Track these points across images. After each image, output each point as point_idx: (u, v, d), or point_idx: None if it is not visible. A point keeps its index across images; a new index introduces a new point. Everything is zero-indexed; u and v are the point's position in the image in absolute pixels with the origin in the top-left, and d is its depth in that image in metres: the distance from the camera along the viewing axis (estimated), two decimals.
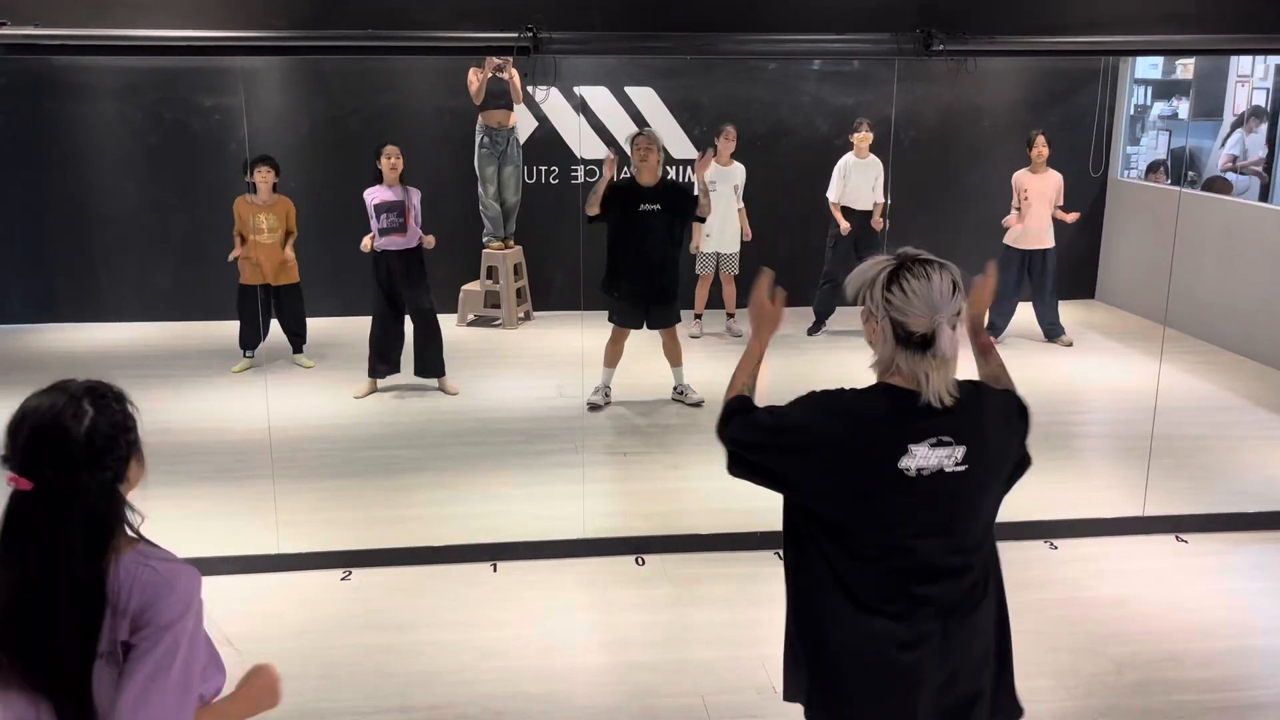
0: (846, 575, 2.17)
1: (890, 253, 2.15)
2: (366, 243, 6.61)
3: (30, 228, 8.60)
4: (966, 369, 2.22)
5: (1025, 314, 8.26)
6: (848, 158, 8.20)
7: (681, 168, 9.02)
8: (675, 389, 6.73)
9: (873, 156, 8.17)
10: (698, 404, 6.63)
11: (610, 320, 6.53)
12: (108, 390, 1.87)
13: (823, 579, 2.19)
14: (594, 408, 6.51)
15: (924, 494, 2.10)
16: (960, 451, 2.10)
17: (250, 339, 7.41)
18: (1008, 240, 8.09)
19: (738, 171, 8.15)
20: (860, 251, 8.12)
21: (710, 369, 7.01)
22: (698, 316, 8.41)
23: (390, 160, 6.65)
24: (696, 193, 6.50)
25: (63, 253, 8.68)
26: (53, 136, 8.50)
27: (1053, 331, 8.17)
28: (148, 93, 8.52)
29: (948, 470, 2.10)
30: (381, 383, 6.90)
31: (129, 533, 1.86)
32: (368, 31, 4.44)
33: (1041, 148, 7.88)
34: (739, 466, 2.28)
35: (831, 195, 8.23)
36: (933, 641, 2.16)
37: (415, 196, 6.72)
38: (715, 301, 8.48)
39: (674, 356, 6.68)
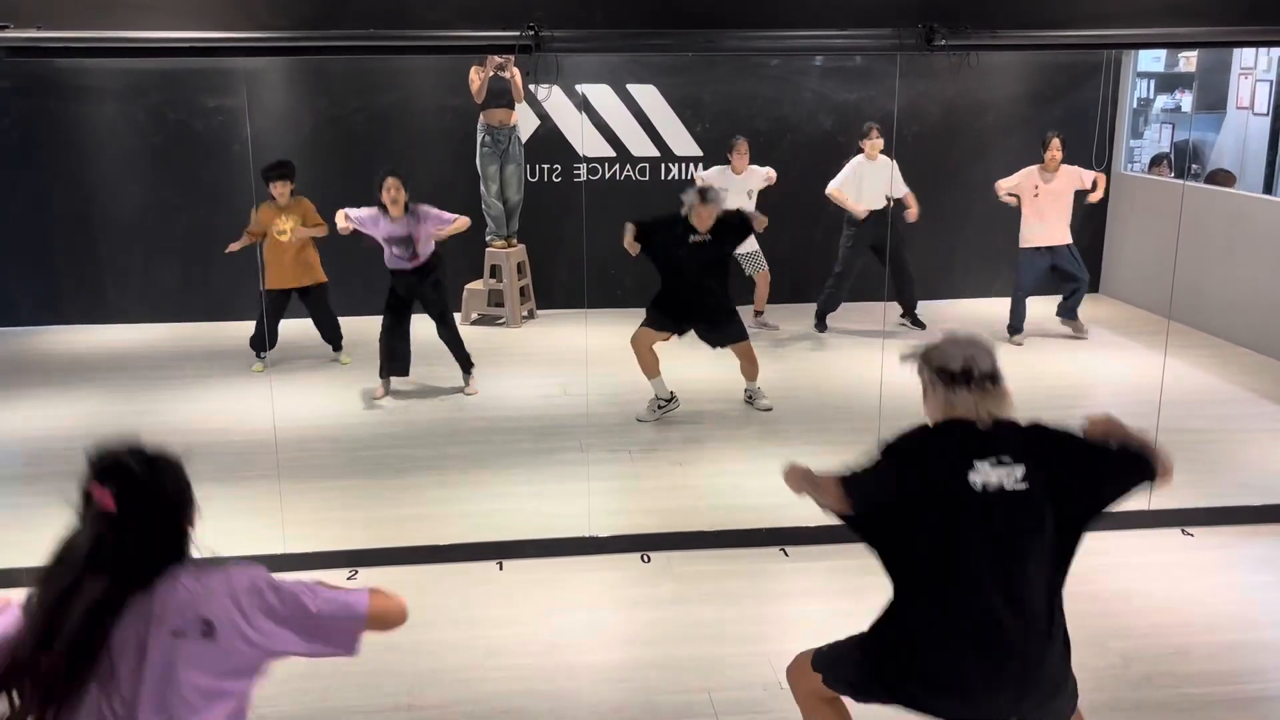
0: (915, 583, 2.51)
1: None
2: (341, 223, 6.51)
3: (35, 230, 8.61)
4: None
5: (1035, 306, 8.25)
6: (859, 159, 8.15)
7: (684, 165, 9.01)
8: (746, 392, 6.60)
9: (883, 157, 8.10)
10: (767, 409, 6.50)
11: (642, 324, 6.32)
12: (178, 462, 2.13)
13: (899, 586, 2.55)
14: (666, 410, 6.34)
15: (986, 508, 2.41)
16: (1019, 470, 2.43)
17: (261, 344, 7.42)
18: (1024, 242, 8.05)
19: (753, 178, 8.11)
20: (878, 250, 8.11)
21: (687, 357, 6.95)
22: (760, 312, 8.39)
23: (391, 194, 6.44)
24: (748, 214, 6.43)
25: (68, 255, 8.70)
26: (57, 138, 8.52)
27: (1070, 314, 8.14)
28: (151, 94, 8.54)
29: (1009, 488, 2.42)
30: (392, 383, 6.92)
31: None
32: (370, 31, 4.44)
33: (1055, 151, 7.86)
34: (855, 528, 2.64)
35: (833, 186, 8.13)
36: (992, 660, 2.43)
37: (426, 220, 6.54)
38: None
39: (749, 374, 6.52)
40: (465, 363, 6.92)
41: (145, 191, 8.68)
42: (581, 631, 4.10)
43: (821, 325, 8.41)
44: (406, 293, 6.69)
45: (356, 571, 4.54)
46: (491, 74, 8.17)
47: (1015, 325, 8.09)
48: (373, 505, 5.24)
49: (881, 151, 8.07)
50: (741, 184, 8.08)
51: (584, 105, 8.83)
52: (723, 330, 6.38)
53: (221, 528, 5.17)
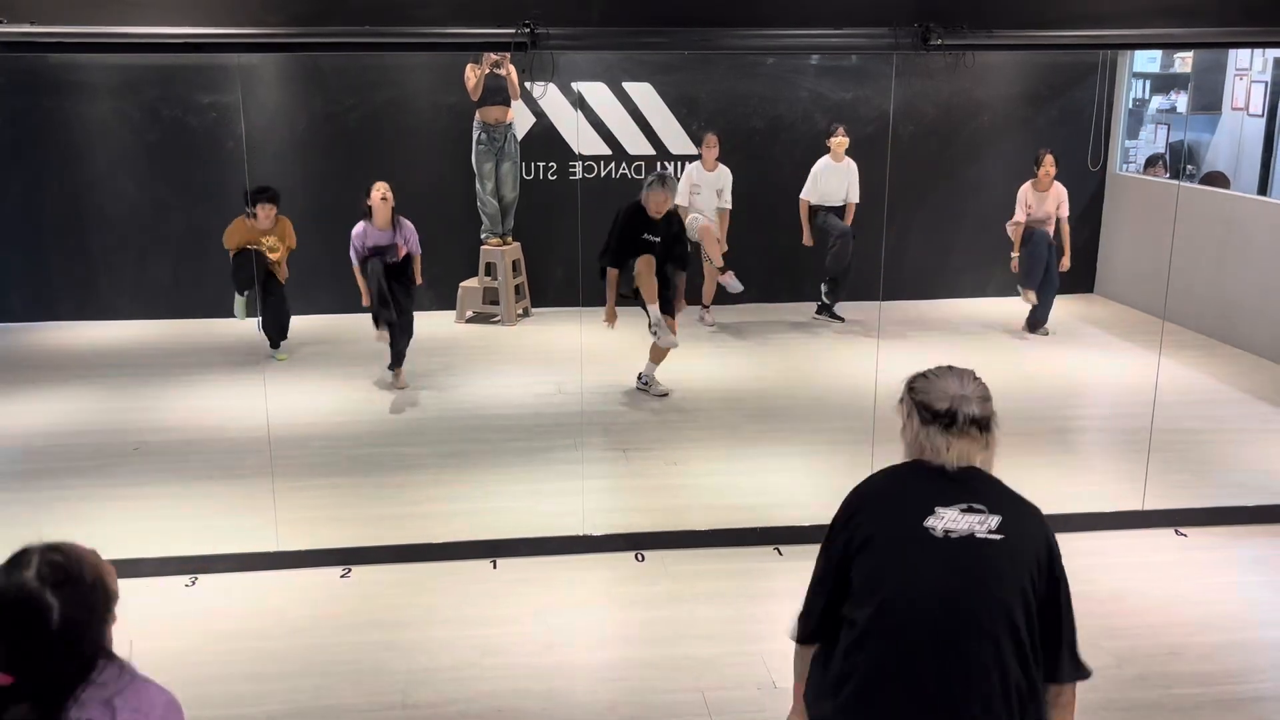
0: (863, 645, 2.15)
1: None
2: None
3: (29, 226, 8.58)
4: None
5: (1010, 306, 8.27)
6: (824, 160, 8.39)
7: (679, 164, 9.00)
8: (640, 377, 6.78)
9: (848, 160, 8.36)
10: (663, 395, 6.71)
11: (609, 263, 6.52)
12: (68, 567, 1.79)
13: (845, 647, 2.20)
14: (668, 345, 6.55)
15: (951, 556, 2.12)
16: (994, 520, 2.15)
17: (244, 282, 7.44)
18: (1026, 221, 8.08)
19: (722, 176, 8.34)
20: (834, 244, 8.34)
21: (683, 357, 6.98)
22: (706, 306, 8.44)
23: (381, 193, 6.61)
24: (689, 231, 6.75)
25: (61, 251, 8.67)
26: (50, 135, 8.49)
27: (1039, 321, 8.20)
28: (145, 90, 8.51)
29: (979, 535, 2.13)
30: (383, 384, 6.92)
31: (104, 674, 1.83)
32: (365, 28, 4.43)
33: (1049, 168, 7.89)
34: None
35: (806, 194, 8.43)
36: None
37: (410, 232, 6.75)
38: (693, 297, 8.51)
39: (658, 355, 6.71)
40: (399, 357, 6.95)
41: (139, 188, 8.65)
42: (575, 630, 4.09)
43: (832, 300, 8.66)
44: (383, 283, 6.73)
45: (350, 569, 4.53)
46: (487, 71, 8.16)
47: (1038, 315, 8.15)
48: (366, 503, 5.23)
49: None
50: (713, 181, 8.31)
51: (580, 103, 8.81)
52: (668, 299, 6.58)
53: (215, 525, 5.18)
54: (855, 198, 8.41)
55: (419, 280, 6.97)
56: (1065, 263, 8.11)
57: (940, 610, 2.10)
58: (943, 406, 2.25)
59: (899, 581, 2.14)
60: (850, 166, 8.36)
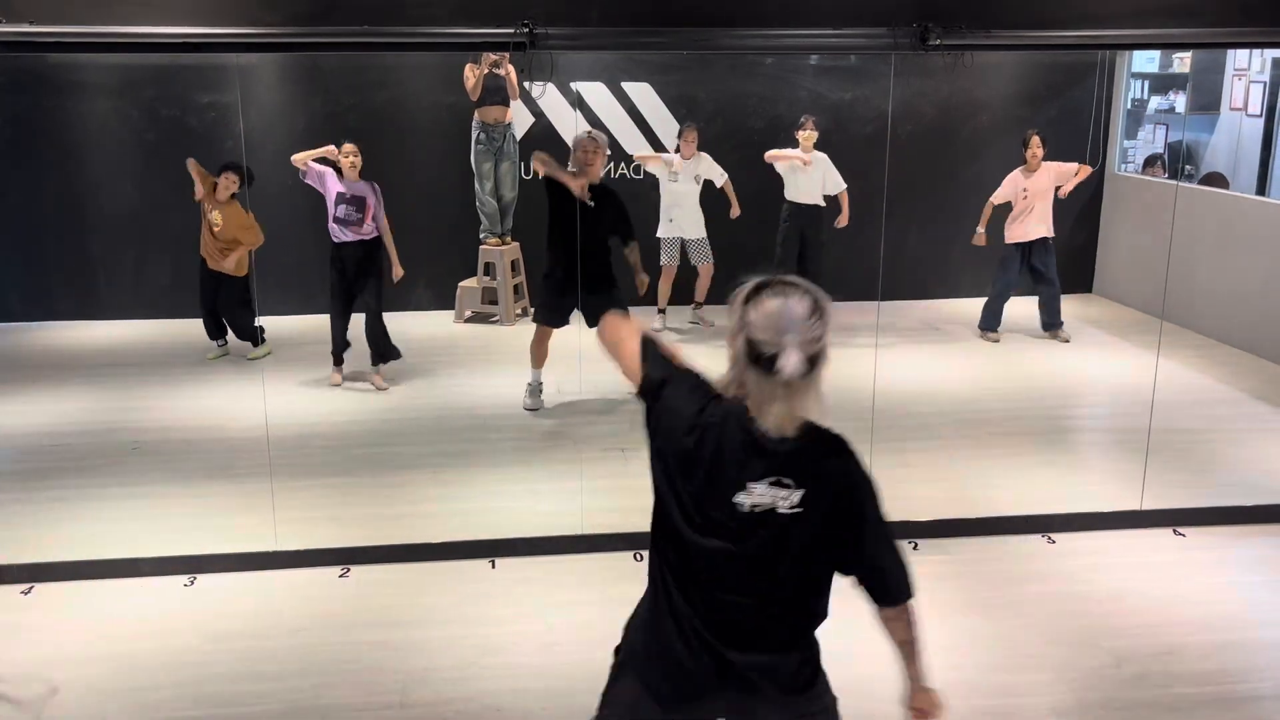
0: (666, 567, 2.31)
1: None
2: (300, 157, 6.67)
3: (29, 226, 8.58)
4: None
5: (1022, 306, 8.27)
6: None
7: None
8: None
9: (816, 153, 8.10)
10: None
11: (534, 320, 6.59)
12: None
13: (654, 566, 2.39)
14: (532, 410, 6.47)
15: (750, 527, 2.14)
16: (797, 495, 2.12)
17: (213, 331, 7.56)
18: (1009, 239, 8.08)
19: (702, 161, 8.17)
20: (806, 251, 8.14)
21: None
22: (661, 311, 8.34)
23: (350, 159, 6.69)
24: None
25: (60, 251, 8.67)
26: (49, 134, 8.48)
27: (1052, 323, 8.16)
28: (144, 90, 8.51)
29: (780, 511, 2.12)
30: (382, 379, 6.93)
31: None
32: (364, 28, 4.43)
33: (1036, 149, 7.88)
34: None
35: (770, 152, 8.18)
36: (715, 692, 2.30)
37: (375, 192, 6.77)
38: (685, 297, 8.50)
39: None
40: (383, 355, 6.91)
41: (139, 188, 8.65)
42: (574, 630, 4.09)
43: None
44: (345, 270, 6.71)
45: (349, 569, 4.53)
46: (486, 71, 8.16)
47: (989, 323, 8.13)
48: (365, 503, 5.23)
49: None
50: (690, 168, 8.16)
51: (578, 103, 8.82)
52: (599, 299, 6.28)
53: (213, 525, 5.17)
54: (840, 186, 8.11)
55: (397, 268, 6.86)
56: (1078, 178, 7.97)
57: (739, 566, 2.18)
58: (768, 352, 2.02)
59: (698, 544, 2.19)
60: (821, 158, 8.07)
